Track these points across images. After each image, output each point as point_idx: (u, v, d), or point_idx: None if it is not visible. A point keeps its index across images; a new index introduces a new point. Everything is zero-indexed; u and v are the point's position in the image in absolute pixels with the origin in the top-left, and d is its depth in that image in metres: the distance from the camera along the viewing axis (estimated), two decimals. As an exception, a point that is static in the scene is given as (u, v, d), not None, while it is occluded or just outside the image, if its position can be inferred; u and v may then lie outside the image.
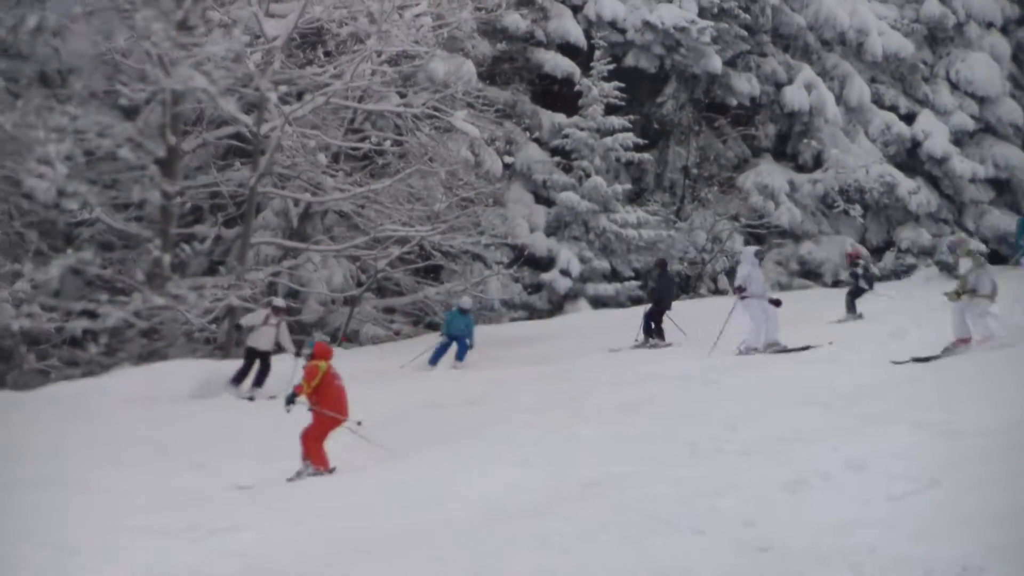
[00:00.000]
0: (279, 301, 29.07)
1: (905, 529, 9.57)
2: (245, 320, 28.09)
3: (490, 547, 11.64)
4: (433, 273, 46.19)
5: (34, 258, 35.23)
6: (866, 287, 32.60)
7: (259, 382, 27.42)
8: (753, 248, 29.19)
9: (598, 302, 44.96)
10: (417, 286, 44.67)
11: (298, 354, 26.65)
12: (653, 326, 31.26)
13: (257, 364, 27.85)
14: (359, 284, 43.27)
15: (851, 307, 31.56)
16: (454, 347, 31.71)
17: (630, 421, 17.90)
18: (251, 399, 26.78)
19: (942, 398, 15.49)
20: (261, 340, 27.84)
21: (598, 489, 13.39)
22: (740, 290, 26.47)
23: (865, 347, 23.19)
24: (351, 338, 42.65)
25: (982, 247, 45.19)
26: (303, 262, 41.43)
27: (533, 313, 45.21)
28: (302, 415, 19.60)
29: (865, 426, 13.93)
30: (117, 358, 37.73)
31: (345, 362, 32.00)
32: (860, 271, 32.77)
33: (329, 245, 41.96)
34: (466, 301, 32.99)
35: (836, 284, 46.82)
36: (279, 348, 28.36)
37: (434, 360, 31.30)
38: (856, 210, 50.56)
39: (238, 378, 27.65)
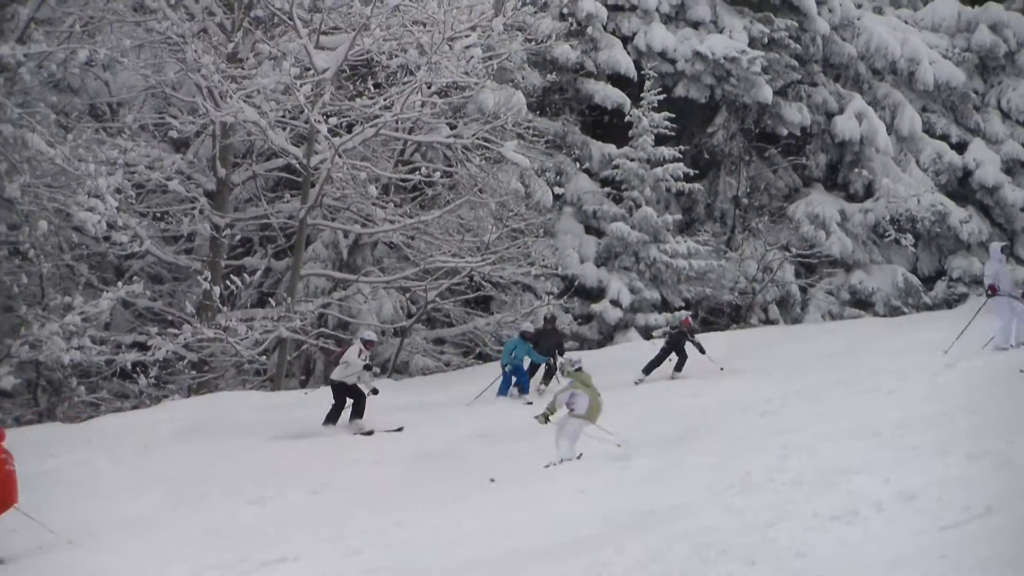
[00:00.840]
0: (370, 334, 28.76)
1: (958, 561, 9.50)
2: (346, 357, 27.47)
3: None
4: (483, 304, 46.22)
5: (84, 291, 35.51)
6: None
7: (359, 414, 27.10)
8: (999, 244, 28.23)
9: (648, 332, 44.83)
10: (467, 317, 44.69)
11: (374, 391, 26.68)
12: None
13: (345, 398, 27.50)
14: (409, 315, 43.36)
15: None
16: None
17: (682, 451, 17.85)
18: (370, 433, 26.47)
19: (1000, 428, 15.36)
20: (350, 374, 27.49)
21: (650, 519, 13.36)
22: (992, 289, 25.83)
23: (920, 376, 22.98)
24: (401, 369, 42.70)
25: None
26: (353, 293, 41.55)
27: (583, 343, 45.13)
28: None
29: (917, 456, 13.83)
30: (167, 390, 37.89)
31: (396, 394, 32.16)
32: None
33: (379, 276, 42.10)
34: (528, 327, 32.89)
35: (890, 314, 46.59)
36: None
37: (503, 391, 31.23)
38: (907, 239, 50.29)
39: (332, 417, 27.40)
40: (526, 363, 32.03)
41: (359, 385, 26.69)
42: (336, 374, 27.02)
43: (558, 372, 30.47)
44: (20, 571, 16.56)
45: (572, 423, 20.56)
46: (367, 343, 27.57)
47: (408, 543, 15.02)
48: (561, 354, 30.84)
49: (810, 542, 10.96)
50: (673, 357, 31.56)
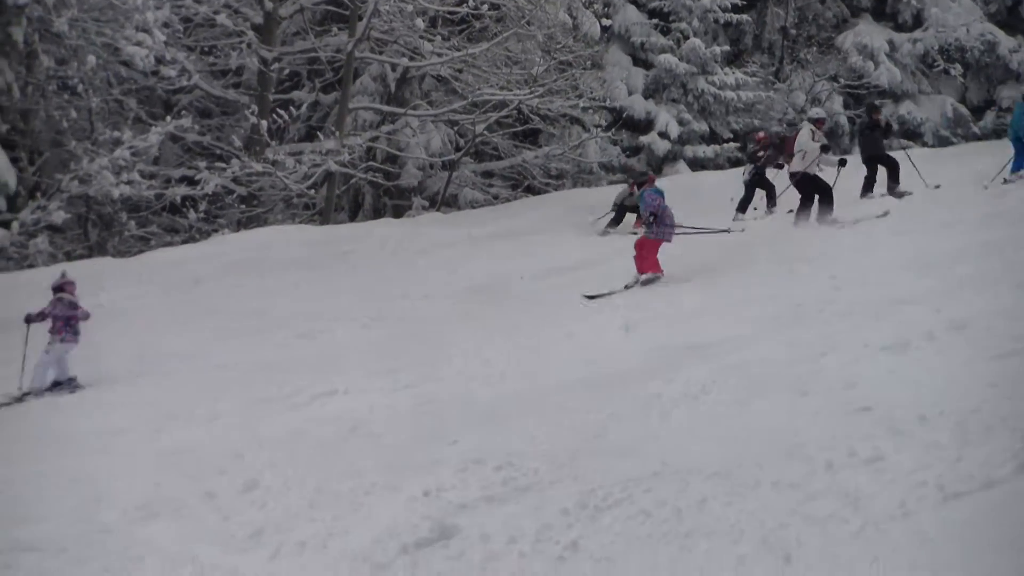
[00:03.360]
0: (818, 112, 26.74)
1: (1009, 389, 9.53)
2: (801, 145, 26.29)
3: (594, 411, 11.73)
4: (531, 137, 46.16)
5: (133, 125, 35.61)
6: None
7: (829, 206, 25.78)
8: None
9: (696, 164, 44.75)
10: (515, 150, 44.68)
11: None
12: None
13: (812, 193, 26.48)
14: (457, 148, 43.35)
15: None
16: None
17: (731, 284, 17.89)
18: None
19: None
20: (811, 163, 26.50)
21: (701, 352, 13.41)
22: None
23: (968, 207, 22.82)
24: (450, 203, 42.77)
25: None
26: (401, 127, 41.52)
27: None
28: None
29: (967, 286, 13.83)
30: (216, 224, 38.10)
31: (445, 228, 32.26)
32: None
33: (427, 110, 42.01)
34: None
35: (938, 144, 46.25)
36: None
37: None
38: (956, 69, 49.86)
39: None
40: None
41: (819, 172, 25.33)
42: (795, 166, 25.60)
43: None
44: (81, 401, 16.82)
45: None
46: (817, 122, 25.42)
47: (458, 376, 15.10)
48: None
49: (860, 372, 10.98)
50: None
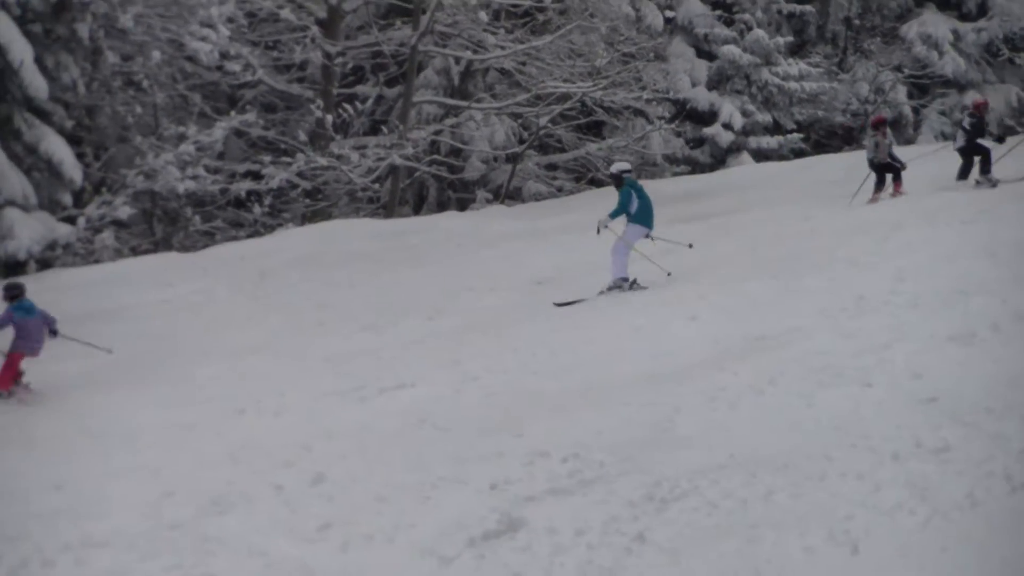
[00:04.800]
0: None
1: (1078, 381, 9.52)
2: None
3: (660, 403, 11.76)
4: (595, 129, 46.16)
5: (198, 120, 35.81)
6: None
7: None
8: None
9: (760, 155, 44.66)
10: (579, 142, 44.66)
11: None
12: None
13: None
14: (521, 141, 43.37)
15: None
16: None
17: (795, 274, 17.84)
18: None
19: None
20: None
21: (766, 343, 13.41)
22: None
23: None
24: (514, 195, 42.83)
25: None
26: (465, 120, 41.57)
27: (695, 167, 45.06)
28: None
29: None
30: (281, 219, 38.28)
31: (509, 220, 32.30)
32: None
33: (491, 103, 42.05)
34: None
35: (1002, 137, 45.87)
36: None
37: None
38: (1021, 58, 49.46)
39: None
40: None
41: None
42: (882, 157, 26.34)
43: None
44: (148, 396, 16.94)
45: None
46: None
47: (524, 368, 15.11)
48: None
49: (926, 363, 10.98)
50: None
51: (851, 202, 26.36)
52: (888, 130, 28.23)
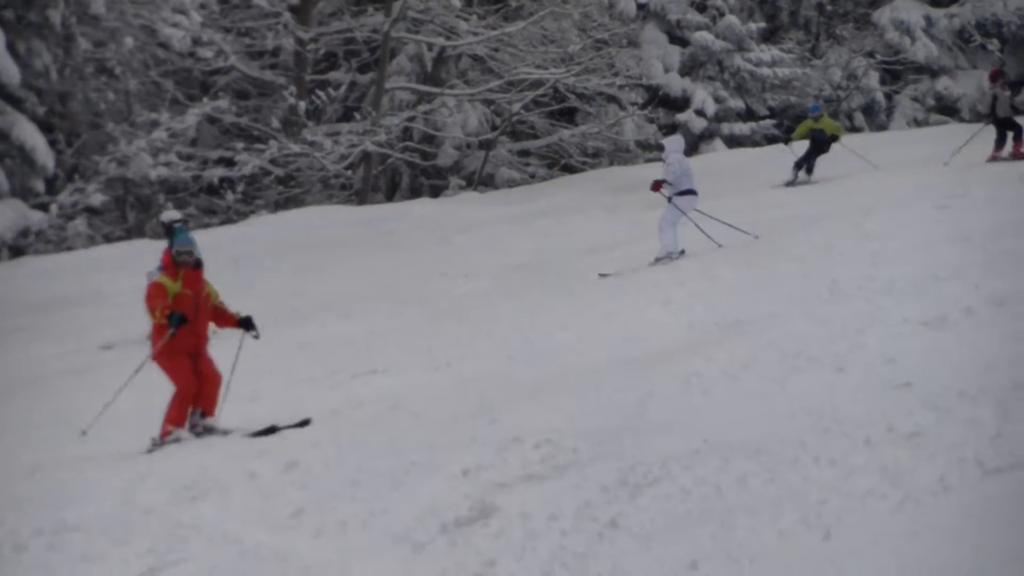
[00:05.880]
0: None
1: (1051, 365, 9.53)
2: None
3: (633, 389, 11.75)
4: (568, 115, 46.16)
5: (170, 107, 35.73)
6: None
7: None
8: None
9: (733, 142, 44.72)
10: (552, 129, 44.69)
11: None
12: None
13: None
14: (494, 128, 43.36)
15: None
16: None
17: (769, 260, 17.85)
18: None
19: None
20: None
21: (740, 329, 13.42)
22: None
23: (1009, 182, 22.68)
24: (487, 182, 42.82)
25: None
26: (438, 107, 41.56)
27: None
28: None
29: (1008, 262, 13.78)
30: (254, 205, 38.24)
31: (483, 207, 32.29)
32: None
33: (463, 89, 42.04)
34: None
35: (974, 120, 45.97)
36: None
37: None
38: (994, 44, 49.63)
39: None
40: None
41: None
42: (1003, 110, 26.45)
43: None
44: (122, 383, 16.88)
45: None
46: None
47: (497, 354, 15.14)
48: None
49: (900, 348, 10.98)
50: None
51: (948, 162, 26.13)
52: (1005, 84, 27.90)
